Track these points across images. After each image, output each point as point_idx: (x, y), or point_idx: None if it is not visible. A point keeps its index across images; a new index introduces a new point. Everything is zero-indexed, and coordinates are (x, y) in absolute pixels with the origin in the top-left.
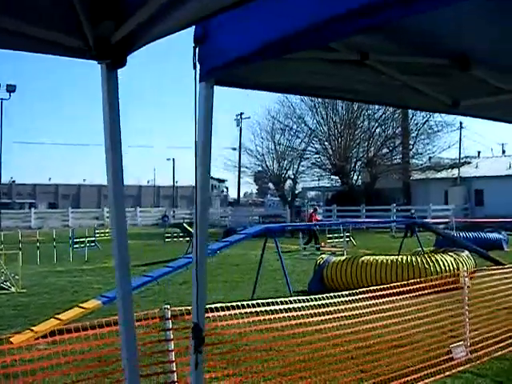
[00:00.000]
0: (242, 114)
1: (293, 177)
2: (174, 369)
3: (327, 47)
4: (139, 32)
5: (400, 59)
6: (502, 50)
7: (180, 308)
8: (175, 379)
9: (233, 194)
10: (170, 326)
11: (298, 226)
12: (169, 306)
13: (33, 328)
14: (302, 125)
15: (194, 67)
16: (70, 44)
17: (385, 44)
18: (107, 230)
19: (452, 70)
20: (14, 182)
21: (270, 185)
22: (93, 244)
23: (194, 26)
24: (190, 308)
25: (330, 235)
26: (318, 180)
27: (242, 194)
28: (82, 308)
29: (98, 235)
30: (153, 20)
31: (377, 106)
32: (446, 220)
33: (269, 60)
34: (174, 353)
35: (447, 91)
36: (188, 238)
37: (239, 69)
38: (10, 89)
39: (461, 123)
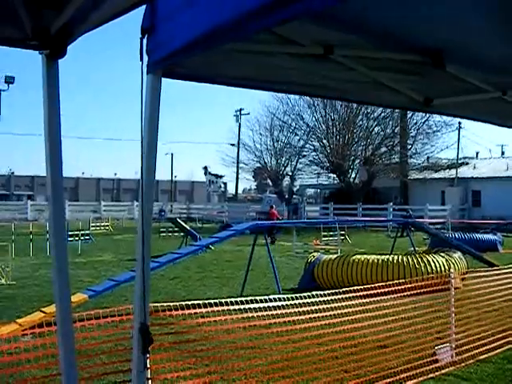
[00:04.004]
0: (241, 109)
1: (291, 174)
2: (148, 365)
3: (290, 40)
4: (77, 20)
5: (368, 54)
6: (480, 47)
7: (155, 304)
8: (149, 375)
9: (231, 190)
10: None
11: (289, 224)
12: None
13: (18, 320)
14: (301, 122)
15: (141, 59)
16: (10, 34)
17: (352, 39)
18: (103, 224)
19: (425, 67)
20: (12, 173)
21: (269, 181)
22: (87, 237)
23: (141, 16)
24: (170, 304)
25: (325, 233)
26: (317, 178)
27: (240, 190)
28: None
29: (93, 228)
30: (89, 7)
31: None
32: (442, 220)
33: (227, 53)
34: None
35: (419, 89)
36: (183, 233)
37: (188, 60)
38: (9, 80)
39: (459, 123)
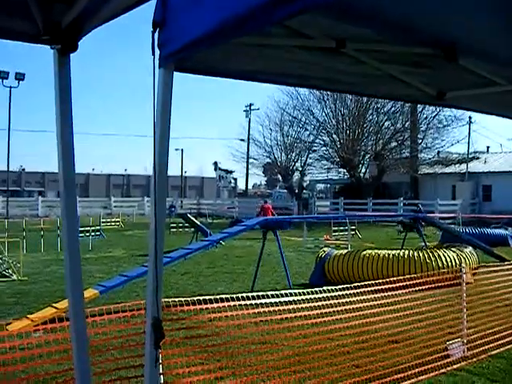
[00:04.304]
0: (251, 105)
1: (301, 169)
2: (160, 360)
3: (302, 34)
4: (88, 14)
5: (381, 48)
6: (493, 40)
7: (167, 299)
8: (161, 370)
9: (241, 185)
10: None
11: (299, 219)
12: None
13: (29, 316)
14: (311, 117)
15: (153, 53)
16: (22, 29)
17: (364, 32)
18: (113, 220)
19: (437, 60)
20: (23, 170)
21: (279, 176)
22: (98, 233)
23: (152, 10)
24: (182, 300)
25: (335, 228)
26: (327, 172)
27: (250, 186)
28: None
29: (103, 224)
30: (100, 0)
31: (386, 99)
32: (453, 215)
33: (237, 47)
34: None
35: (432, 82)
36: (193, 229)
37: (200, 54)
38: (19, 77)
39: (470, 118)
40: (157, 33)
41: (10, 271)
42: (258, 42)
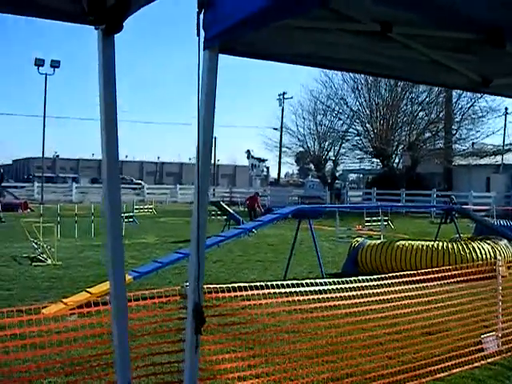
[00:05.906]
0: (284, 93)
1: (334, 158)
2: None
3: (347, 17)
4: None
5: (426, 33)
6: None
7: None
8: None
9: (274, 174)
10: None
11: (331, 208)
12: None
13: (64, 300)
14: (344, 106)
15: (198, 34)
16: (67, 9)
17: (410, 16)
18: (146, 206)
19: (484, 46)
20: (57, 156)
21: (312, 166)
22: (131, 219)
23: None
24: (216, 286)
25: (368, 218)
26: (359, 162)
27: (282, 175)
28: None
29: (136, 211)
30: None
31: (420, 89)
32: (487, 207)
33: (281, 29)
34: None
35: (477, 68)
36: (225, 217)
37: (245, 36)
38: (54, 64)
39: (506, 109)
40: (202, 14)
41: (44, 256)
42: (304, 25)
